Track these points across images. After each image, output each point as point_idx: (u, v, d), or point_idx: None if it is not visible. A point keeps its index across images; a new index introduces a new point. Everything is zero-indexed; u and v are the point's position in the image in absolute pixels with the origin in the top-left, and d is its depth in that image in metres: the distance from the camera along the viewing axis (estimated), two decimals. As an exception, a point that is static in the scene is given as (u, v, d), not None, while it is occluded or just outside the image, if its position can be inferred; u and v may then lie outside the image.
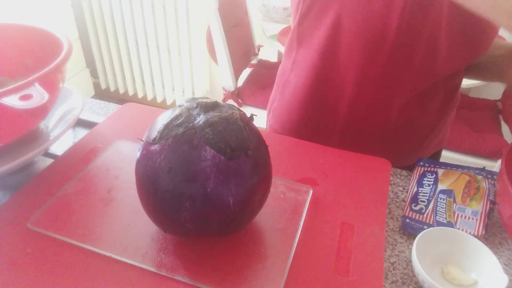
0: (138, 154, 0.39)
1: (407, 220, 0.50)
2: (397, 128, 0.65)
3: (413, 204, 0.52)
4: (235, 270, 0.40)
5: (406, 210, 0.52)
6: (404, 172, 0.60)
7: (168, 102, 2.23)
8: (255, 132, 0.39)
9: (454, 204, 0.51)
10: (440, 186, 0.54)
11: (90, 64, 2.27)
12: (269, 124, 0.79)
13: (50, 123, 0.58)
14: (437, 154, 0.77)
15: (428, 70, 0.59)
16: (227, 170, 0.35)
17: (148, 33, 2.00)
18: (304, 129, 0.71)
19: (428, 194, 0.53)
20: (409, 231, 0.49)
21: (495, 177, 0.56)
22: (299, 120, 0.70)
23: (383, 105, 0.63)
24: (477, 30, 0.56)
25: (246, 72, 1.71)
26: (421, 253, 0.43)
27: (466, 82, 0.67)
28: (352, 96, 0.62)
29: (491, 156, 1.32)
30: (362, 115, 0.64)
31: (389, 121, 0.64)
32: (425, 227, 0.49)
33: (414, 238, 0.45)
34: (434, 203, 0.52)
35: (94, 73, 2.32)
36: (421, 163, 0.60)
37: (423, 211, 0.51)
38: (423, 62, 0.58)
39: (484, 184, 0.54)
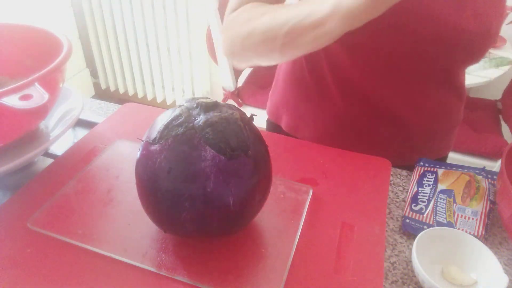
0: (138, 154, 0.39)
1: (407, 220, 0.50)
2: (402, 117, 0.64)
3: (413, 204, 0.52)
4: (235, 270, 0.40)
5: (406, 210, 0.52)
6: (404, 172, 0.60)
7: (168, 102, 2.23)
8: (255, 132, 0.39)
9: (454, 204, 0.51)
10: (440, 186, 0.54)
11: (90, 64, 2.27)
12: (268, 113, 0.80)
13: (50, 123, 0.58)
14: (443, 159, 0.76)
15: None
16: (227, 170, 0.35)
17: (148, 33, 2.00)
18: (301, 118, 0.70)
19: (428, 194, 0.53)
20: (409, 231, 0.49)
21: (495, 177, 0.56)
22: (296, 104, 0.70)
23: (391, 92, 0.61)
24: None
25: (246, 72, 1.71)
26: (421, 253, 0.43)
27: (466, 82, 0.67)
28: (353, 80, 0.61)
29: (491, 156, 1.32)
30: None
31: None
32: (425, 227, 0.49)
33: (414, 238, 0.45)
34: (434, 203, 0.52)
35: (94, 73, 2.32)
36: (421, 163, 0.60)
37: (423, 211, 0.51)
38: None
39: (484, 184, 0.54)
